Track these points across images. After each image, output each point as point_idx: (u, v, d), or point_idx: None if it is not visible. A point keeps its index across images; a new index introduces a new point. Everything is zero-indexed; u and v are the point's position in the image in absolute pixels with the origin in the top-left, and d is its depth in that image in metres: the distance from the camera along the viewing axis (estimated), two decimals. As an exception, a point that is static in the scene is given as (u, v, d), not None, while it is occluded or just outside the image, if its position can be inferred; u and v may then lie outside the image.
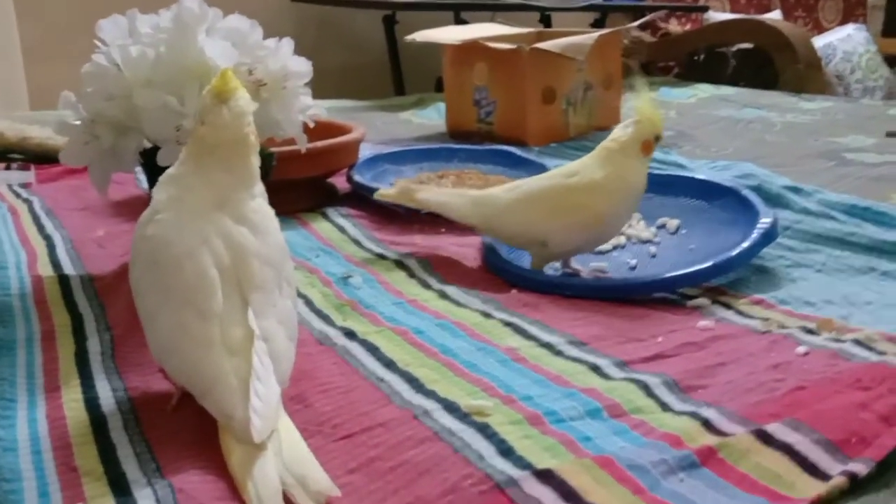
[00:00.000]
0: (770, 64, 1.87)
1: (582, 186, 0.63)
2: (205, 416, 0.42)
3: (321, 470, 0.38)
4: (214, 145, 0.44)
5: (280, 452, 0.38)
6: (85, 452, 0.41)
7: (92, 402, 0.46)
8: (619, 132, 0.64)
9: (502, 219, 0.66)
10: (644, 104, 0.64)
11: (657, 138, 0.65)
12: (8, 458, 0.40)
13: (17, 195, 0.87)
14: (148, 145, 0.61)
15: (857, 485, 0.36)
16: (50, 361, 0.50)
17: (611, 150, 0.64)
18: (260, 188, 0.46)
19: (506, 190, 0.67)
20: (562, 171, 0.67)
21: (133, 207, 0.81)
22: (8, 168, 0.99)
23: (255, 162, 0.45)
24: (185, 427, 0.43)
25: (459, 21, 1.75)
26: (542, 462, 0.38)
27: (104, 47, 0.60)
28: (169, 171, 0.46)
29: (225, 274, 0.42)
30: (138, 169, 0.70)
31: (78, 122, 0.59)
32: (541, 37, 1.27)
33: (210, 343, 0.41)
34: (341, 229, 0.77)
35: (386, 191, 0.71)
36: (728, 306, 0.58)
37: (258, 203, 0.45)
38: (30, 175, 0.95)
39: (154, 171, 0.60)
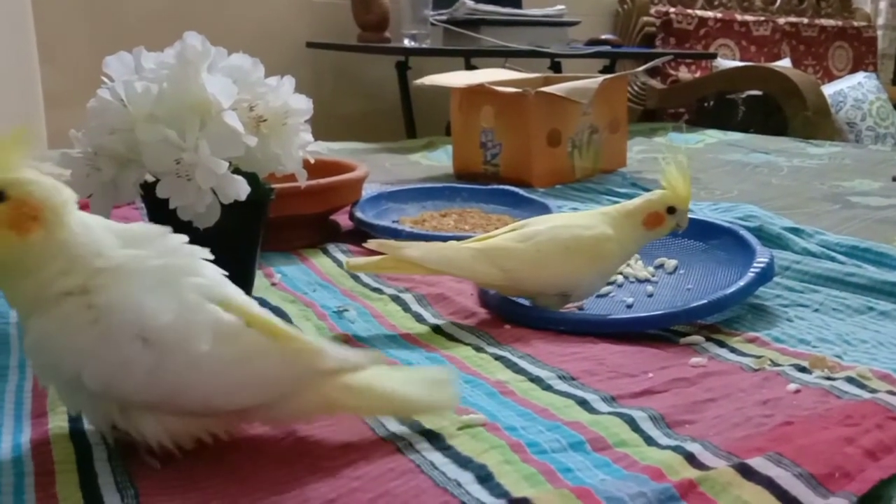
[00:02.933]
0: (779, 111, 1.88)
1: (605, 238, 0.62)
2: (188, 454, 0.42)
3: None
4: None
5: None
6: (66, 479, 0.41)
7: (77, 431, 0.46)
8: (637, 199, 0.64)
9: (531, 271, 0.61)
10: (671, 170, 0.61)
11: (671, 210, 0.62)
12: (-12, 480, 0.40)
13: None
14: (149, 178, 0.62)
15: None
16: (39, 387, 0.50)
17: (612, 216, 0.63)
18: None
19: (517, 239, 0.63)
20: (576, 223, 0.64)
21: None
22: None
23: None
24: (167, 462, 0.42)
25: (470, 67, 1.78)
26: (519, 490, 0.38)
27: (110, 83, 0.61)
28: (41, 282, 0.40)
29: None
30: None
31: (80, 155, 0.60)
32: (548, 81, 1.29)
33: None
34: (340, 265, 0.77)
35: (357, 261, 0.64)
36: (722, 344, 0.58)
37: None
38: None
39: (154, 204, 0.61)
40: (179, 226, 0.48)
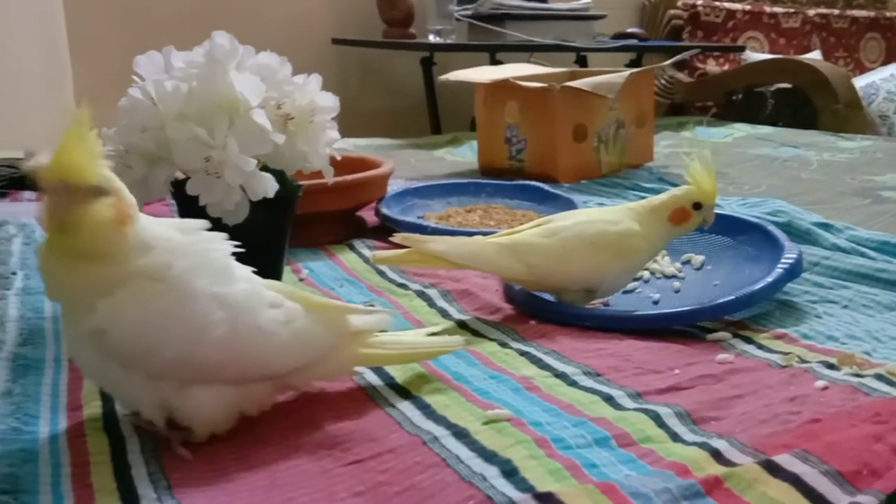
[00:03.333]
0: (809, 104, 1.85)
1: (631, 233, 0.62)
2: (219, 447, 0.43)
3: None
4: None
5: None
6: (101, 471, 0.42)
7: (111, 423, 0.47)
8: (662, 194, 0.64)
9: (555, 266, 0.61)
10: (695, 166, 0.61)
11: (697, 206, 0.62)
12: (28, 469, 0.41)
13: (59, 225, 0.90)
14: (179, 176, 0.63)
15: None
16: (74, 381, 0.52)
17: (638, 212, 0.63)
18: None
19: (542, 234, 0.63)
20: (601, 218, 0.64)
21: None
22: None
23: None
24: (199, 455, 0.43)
25: (495, 62, 1.78)
26: (544, 485, 0.38)
27: (140, 82, 0.62)
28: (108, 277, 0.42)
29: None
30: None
31: (112, 153, 0.61)
32: (574, 76, 1.29)
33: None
34: (366, 260, 0.78)
35: (383, 253, 0.63)
36: (749, 340, 0.57)
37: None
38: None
39: (184, 201, 0.62)
40: (209, 223, 0.48)
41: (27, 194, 1.06)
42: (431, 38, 1.79)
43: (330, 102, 0.67)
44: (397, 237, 0.62)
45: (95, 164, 0.41)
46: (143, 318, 0.41)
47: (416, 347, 0.51)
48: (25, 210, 0.97)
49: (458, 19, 1.79)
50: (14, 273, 0.73)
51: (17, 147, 1.17)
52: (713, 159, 0.62)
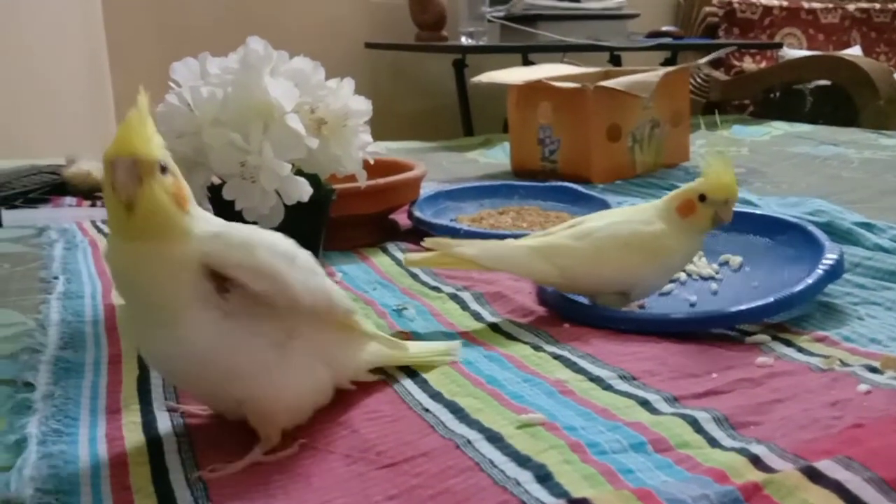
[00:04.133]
0: (849, 101, 1.81)
1: (663, 234, 0.61)
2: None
3: None
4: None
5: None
6: (139, 473, 0.42)
7: (150, 426, 0.47)
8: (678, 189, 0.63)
9: (588, 269, 0.61)
10: (710, 160, 0.60)
11: (702, 197, 0.60)
12: (69, 470, 0.42)
13: (99, 230, 0.92)
14: (215, 180, 0.64)
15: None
16: (114, 384, 0.52)
17: (659, 208, 0.62)
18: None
19: (573, 237, 0.62)
20: (633, 218, 0.63)
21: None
22: (93, 205, 1.05)
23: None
24: (235, 459, 0.43)
25: (527, 63, 1.77)
26: (579, 491, 0.37)
27: (177, 88, 0.63)
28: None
29: None
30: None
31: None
32: (607, 75, 1.28)
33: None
34: (399, 263, 0.78)
35: (414, 256, 0.63)
36: (789, 343, 0.56)
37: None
38: (112, 212, 1.01)
39: (221, 205, 0.63)
40: (245, 227, 0.49)
41: (68, 200, 1.08)
42: (463, 41, 1.79)
43: (363, 106, 0.67)
44: (427, 242, 0.62)
45: (158, 142, 0.41)
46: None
47: (419, 350, 0.54)
48: (67, 216, 0.99)
49: (490, 21, 1.79)
50: (56, 277, 0.75)
51: (59, 154, 1.20)
52: (728, 153, 0.61)
